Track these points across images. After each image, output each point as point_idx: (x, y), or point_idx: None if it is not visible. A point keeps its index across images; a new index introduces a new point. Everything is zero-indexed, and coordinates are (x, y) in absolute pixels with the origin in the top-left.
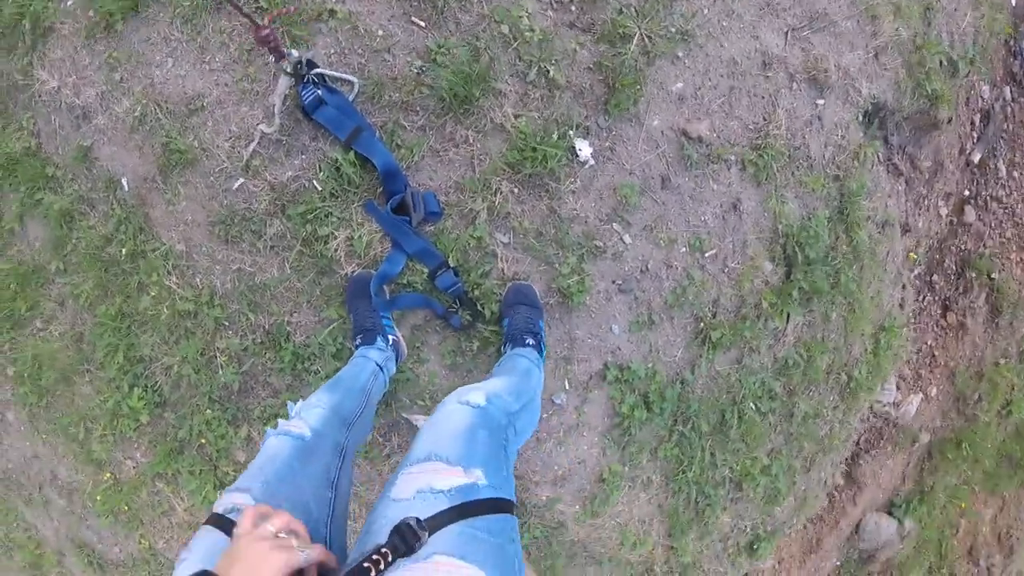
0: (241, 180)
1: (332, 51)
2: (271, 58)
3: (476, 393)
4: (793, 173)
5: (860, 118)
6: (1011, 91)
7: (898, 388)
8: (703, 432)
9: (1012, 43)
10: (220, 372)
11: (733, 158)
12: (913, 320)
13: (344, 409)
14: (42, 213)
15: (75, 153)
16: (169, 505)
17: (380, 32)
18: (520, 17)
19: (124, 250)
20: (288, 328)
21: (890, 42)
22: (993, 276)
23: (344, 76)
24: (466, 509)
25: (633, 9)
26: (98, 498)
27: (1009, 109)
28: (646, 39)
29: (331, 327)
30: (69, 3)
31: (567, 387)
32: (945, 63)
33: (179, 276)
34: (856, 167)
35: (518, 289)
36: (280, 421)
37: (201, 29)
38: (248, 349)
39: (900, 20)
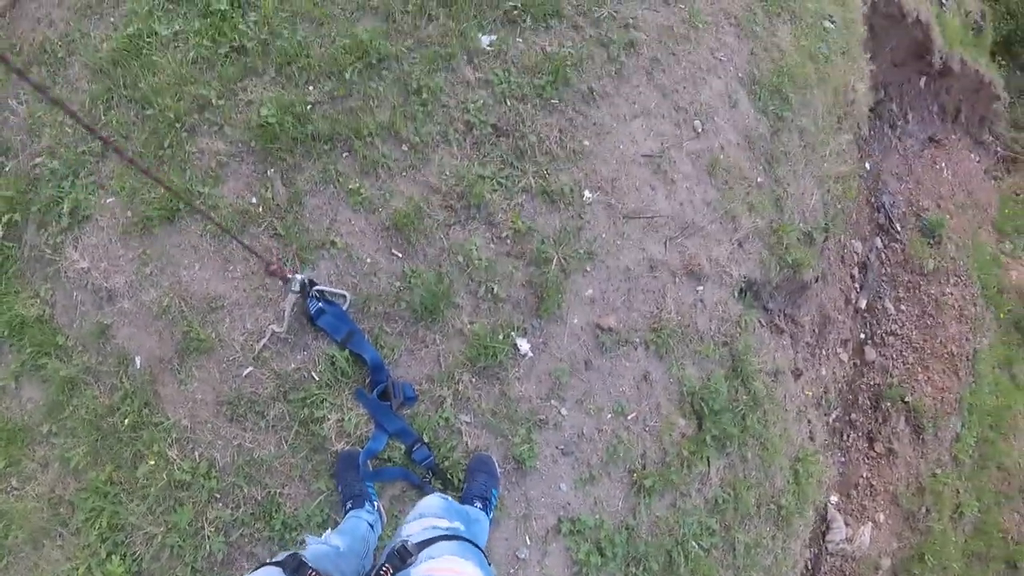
0: (251, 368)
1: (331, 272)
2: (281, 285)
3: (441, 494)
4: (688, 345)
5: (736, 295)
6: (881, 240)
7: (847, 524)
8: (655, 572)
9: (873, 200)
10: (207, 542)
11: (638, 340)
12: (842, 457)
13: (354, 548)
14: (43, 377)
15: (93, 329)
16: None
17: (368, 259)
18: (471, 250)
19: (127, 421)
20: (279, 499)
21: (750, 232)
22: (907, 399)
23: (339, 291)
24: (456, 537)
25: (552, 240)
26: None
27: (883, 255)
28: (563, 260)
29: (320, 499)
30: (109, 200)
31: (528, 542)
32: (801, 236)
33: (179, 448)
34: (740, 332)
35: (479, 459)
36: (313, 538)
37: (226, 244)
38: (238, 520)
39: (755, 214)
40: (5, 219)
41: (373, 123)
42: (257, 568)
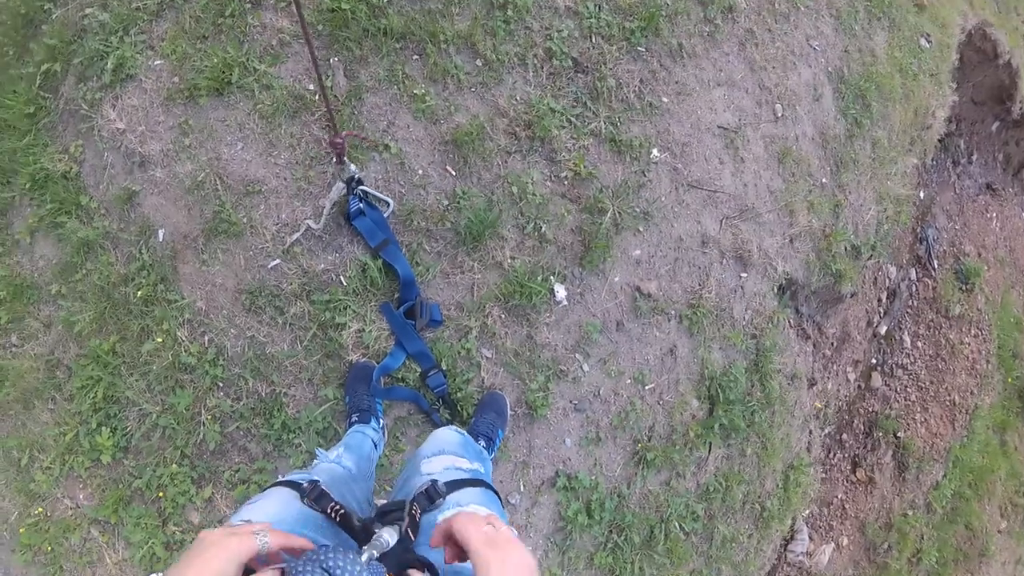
0: (278, 261)
1: (380, 176)
2: (333, 163)
3: (458, 428)
4: (719, 329)
5: (775, 290)
6: (916, 271)
7: (811, 538)
8: (635, 544)
9: (919, 230)
10: (202, 428)
11: (673, 312)
12: (824, 473)
13: (361, 468)
14: (59, 236)
15: (120, 193)
16: (99, 555)
17: (420, 171)
18: (527, 183)
19: (140, 293)
20: (283, 399)
21: (803, 231)
22: (899, 435)
23: (384, 197)
24: (479, 482)
25: (610, 191)
26: (21, 531)
27: (914, 288)
28: (617, 214)
29: (325, 407)
30: (157, 63)
31: (521, 489)
32: (849, 248)
33: (190, 330)
34: (770, 329)
35: (492, 397)
36: (325, 454)
37: (275, 127)
38: (237, 412)
39: (813, 214)
40: (44, 68)
41: (451, 30)
42: (271, 485)
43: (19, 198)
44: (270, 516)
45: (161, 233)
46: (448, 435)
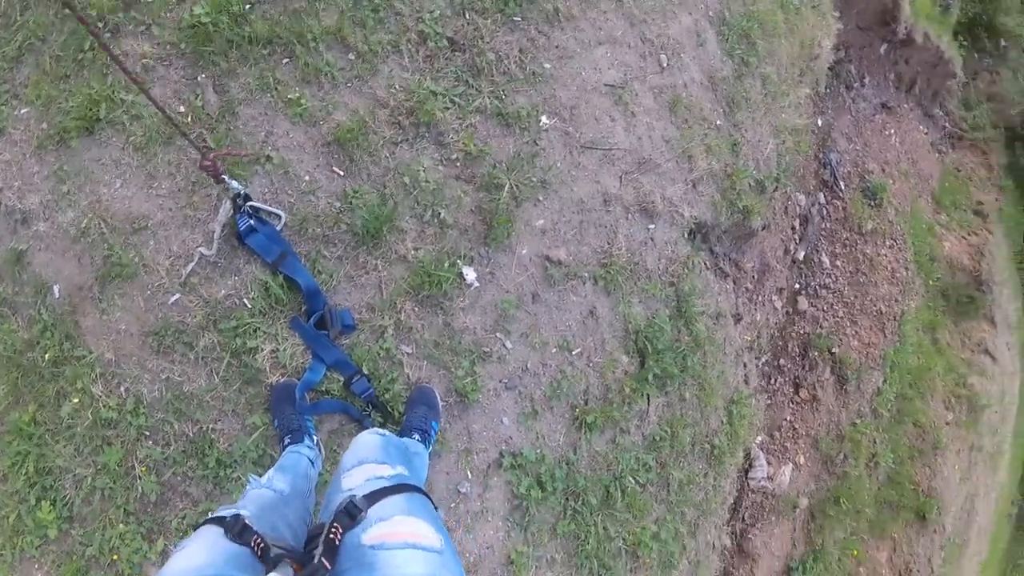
0: (178, 295)
1: (266, 190)
2: (213, 187)
3: (378, 429)
4: (635, 283)
5: (685, 235)
6: (824, 195)
7: (768, 463)
8: (593, 506)
9: (821, 156)
10: (139, 482)
11: (587, 275)
12: (768, 399)
13: (297, 487)
14: None
15: (7, 256)
16: None
17: (307, 177)
18: (418, 171)
19: (47, 356)
20: (212, 436)
21: (704, 174)
22: (834, 351)
23: (274, 210)
24: (402, 488)
25: (504, 165)
26: None
27: (825, 211)
28: (515, 187)
29: (255, 434)
30: (23, 111)
31: (469, 476)
32: (753, 184)
33: (104, 384)
34: (687, 273)
35: (420, 391)
36: (257, 480)
37: (151, 158)
38: (169, 458)
39: (712, 156)
40: None
41: (318, 27)
42: (202, 523)
43: None
44: (197, 565)
45: (56, 289)
46: (368, 439)
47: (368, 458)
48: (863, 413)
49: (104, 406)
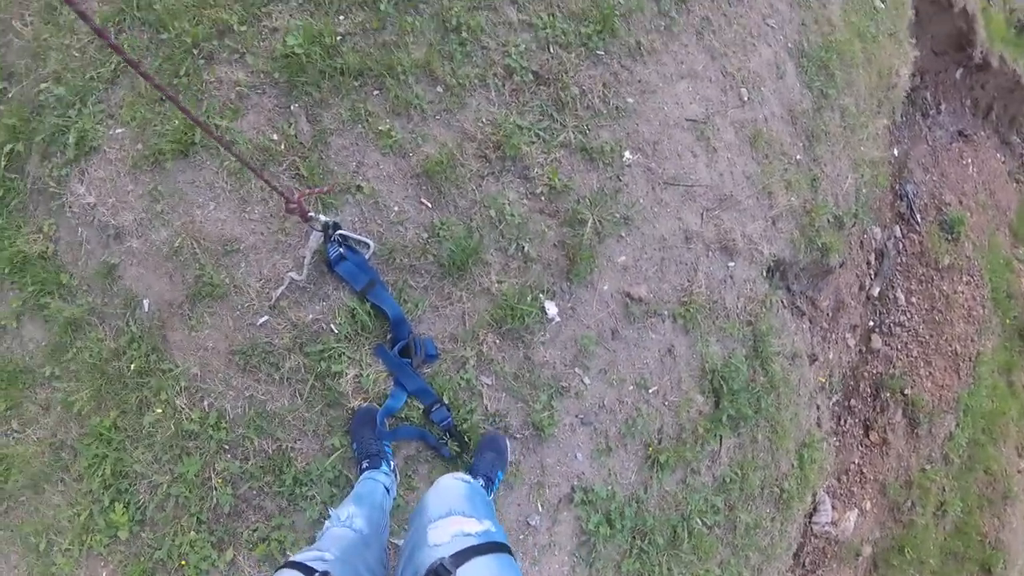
0: (267, 317)
1: (356, 218)
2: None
3: (462, 474)
4: (714, 322)
5: (764, 273)
6: (900, 229)
7: (834, 507)
8: (660, 546)
9: (898, 188)
10: (214, 493)
11: (666, 313)
12: (837, 442)
13: (373, 521)
14: (45, 317)
15: (99, 268)
16: None
17: (395, 208)
18: (503, 204)
19: (133, 366)
20: (291, 454)
21: (784, 210)
22: (906, 392)
23: (363, 239)
24: (490, 547)
25: (588, 200)
26: None
27: (901, 244)
28: (598, 223)
29: (334, 455)
30: (119, 131)
31: (540, 509)
32: (832, 220)
33: (188, 397)
34: (764, 312)
35: (493, 438)
36: (337, 515)
37: (245, 183)
38: (247, 472)
39: (791, 192)
40: (7, 149)
41: (408, 60)
42: (282, 566)
43: (0, 284)
44: None
45: (146, 303)
46: (453, 485)
47: (455, 509)
48: (934, 458)
49: (187, 418)
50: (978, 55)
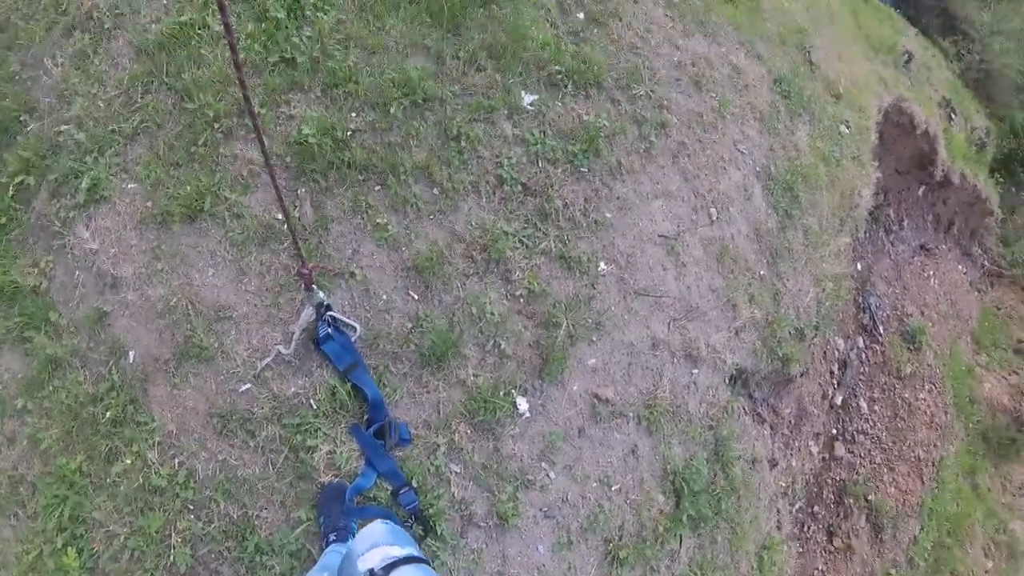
0: (249, 385)
1: (346, 302)
2: (302, 290)
3: (385, 520)
4: (677, 425)
5: (727, 381)
6: (863, 340)
7: None
8: None
9: (860, 300)
10: (172, 552)
11: (631, 414)
12: (800, 548)
13: None
14: (26, 350)
15: (90, 313)
16: None
17: (384, 296)
18: (485, 303)
19: (108, 413)
20: (256, 522)
21: (747, 322)
22: (870, 498)
23: (351, 322)
24: (414, 559)
25: (563, 305)
26: None
27: (863, 355)
28: (571, 327)
29: (300, 528)
30: (131, 186)
31: None
32: (793, 331)
33: (160, 452)
34: (726, 418)
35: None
36: None
37: (246, 255)
38: (208, 535)
39: (754, 305)
40: (17, 180)
41: (410, 161)
42: None
43: None
44: None
45: (132, 355)
46: (377, 527)
47: (380, 542)
48: (898, 563)
49: (156, 473)
50: (940, 173)
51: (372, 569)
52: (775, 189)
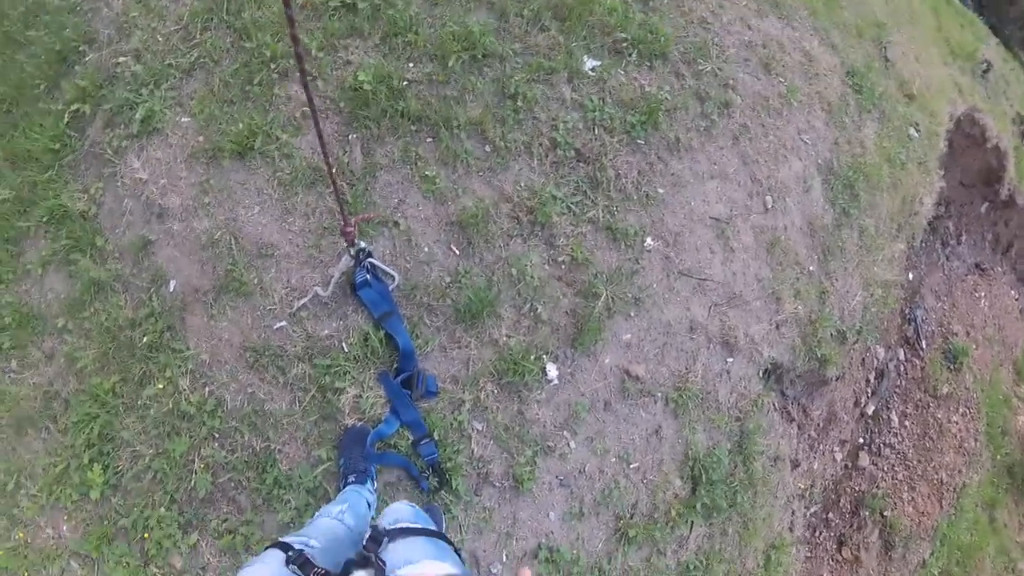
0: (284, 323)
1: (387, 251)
2: (343, 243)
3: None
4: (704, 411)
5: (760, 374)
6: (904, 352)
7: None
8: None
9: (907, 311)
10: (194, 476)
11: (660, 395)
12: (809, 552)
13: (359, 528)
14: (71, 272)
15: (135, 240)
16: None
17: (426, 248)
18: (526, 265)
19: (145, 339)
20: (277, 456)
21: (789, 317)
22: (886, 514)
23: (390, 271)
24: (427, 531)
25: (605, 276)
26: (0, 553)
27: (902, 368)
28: (610, 299)
29: (320, 467)
30: (185, 120)
31: (504, 559)
32: (835, 333)
33: (192, 380)
34: (754, 412)
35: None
36: (328, 509)
37: (292, 196)
38: (230, 464)
39: (799, 301)
40: (73, 108)
41: (464, 116)
42: (270, 545)
43: (35, 230)
44: None
45: (172, 284)
46: (400, 507)
47: (402, 519)
48: None
49: (185, 399)
50: (1005, 192)
51: (375, 526)
52: (835, 184)
